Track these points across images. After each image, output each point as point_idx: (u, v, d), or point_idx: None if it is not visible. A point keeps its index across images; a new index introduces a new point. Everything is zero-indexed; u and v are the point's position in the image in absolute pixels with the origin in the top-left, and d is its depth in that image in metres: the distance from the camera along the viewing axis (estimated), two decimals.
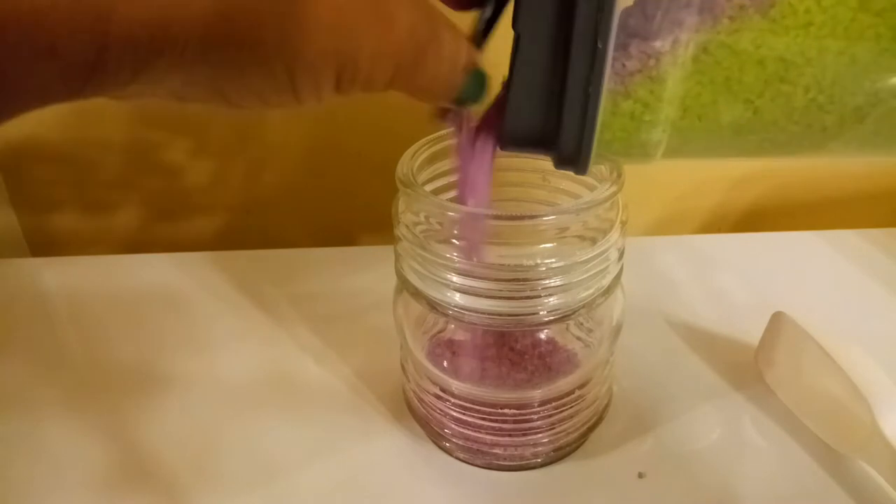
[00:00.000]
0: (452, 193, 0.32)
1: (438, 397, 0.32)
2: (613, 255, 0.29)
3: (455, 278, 0.28)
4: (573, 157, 0.22)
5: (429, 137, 0.31)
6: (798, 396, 0.35)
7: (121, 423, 0.35)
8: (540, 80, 0.21)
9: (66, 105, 0.18)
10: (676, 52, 0.20)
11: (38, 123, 0.48)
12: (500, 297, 0.28)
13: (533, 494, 0.32)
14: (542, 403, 0.32)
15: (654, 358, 0.39)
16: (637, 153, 0.23)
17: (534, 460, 0.33)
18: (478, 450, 0.32)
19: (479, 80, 0.23)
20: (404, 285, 0.31)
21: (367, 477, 0.32)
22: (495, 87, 0.23)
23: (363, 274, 0.45)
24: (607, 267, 0.29)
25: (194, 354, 0.39)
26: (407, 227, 0.29)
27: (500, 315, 0.29)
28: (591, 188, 0.30)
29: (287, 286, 0.45)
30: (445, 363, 0.33)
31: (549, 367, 0.33)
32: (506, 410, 0.31)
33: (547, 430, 0.32)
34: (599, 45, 0.20)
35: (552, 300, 0.28)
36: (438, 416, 0.33)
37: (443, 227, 0.29)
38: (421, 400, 0.33)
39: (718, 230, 0.57)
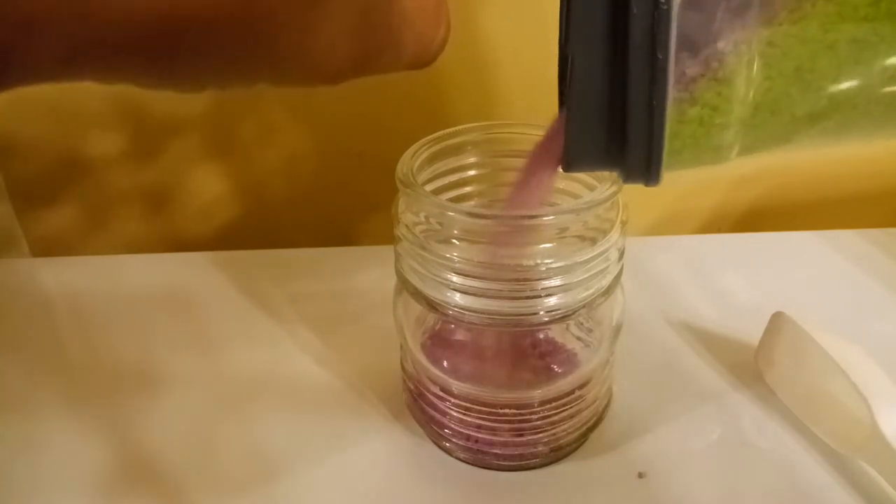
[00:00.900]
0: (453, 193, 0.32)
1: (438, 397, 0.32)
2: (613, 255, 0.29)
3: (455, 278, 0.28)
4: (643, 172, 0.21)
5: (429, 137, 0.31)
6: (798, 396, 0.35)
7: (121, 422, 0.35)
8: (600, 100, 0.20)
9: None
10: (740, 50, 0.19)
11: (39, 123, 0.48)
12: (500, 297, 0.28)
13: (533, 494, 0.32)
14: (542, 403, 0.32)
15: (654, 358, 0.39)
16: (709, 158, 0.22)
17: (534, 460, 0.33)
18: (478, 450, 0.32)
19: None
20: (404, 285, 0.31)
21: (367, 477, 0.33)
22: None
23: (363, 274, 0.45)
24: (607, 267, 0.29)
25: (194, 354, 0.39)
26: (407, 227, 0.29)
27: (500, 315, 0.29)
28: (592, 188, 0.30)
29: (287, 286, 0.45)
30: (445, 363, 0.33)
31: (549, 367, 0.33)
32: (506, 410, 0.31)
33: (547, 430, 0.32)
34: (659, 56, 0.19)
35: (552, 300, 0.28)
36: (438, 416, 0.33)
37: (443, 227, 0.29)
38: (421, 400, 0.33)
39: (718, 230, 0.56)
